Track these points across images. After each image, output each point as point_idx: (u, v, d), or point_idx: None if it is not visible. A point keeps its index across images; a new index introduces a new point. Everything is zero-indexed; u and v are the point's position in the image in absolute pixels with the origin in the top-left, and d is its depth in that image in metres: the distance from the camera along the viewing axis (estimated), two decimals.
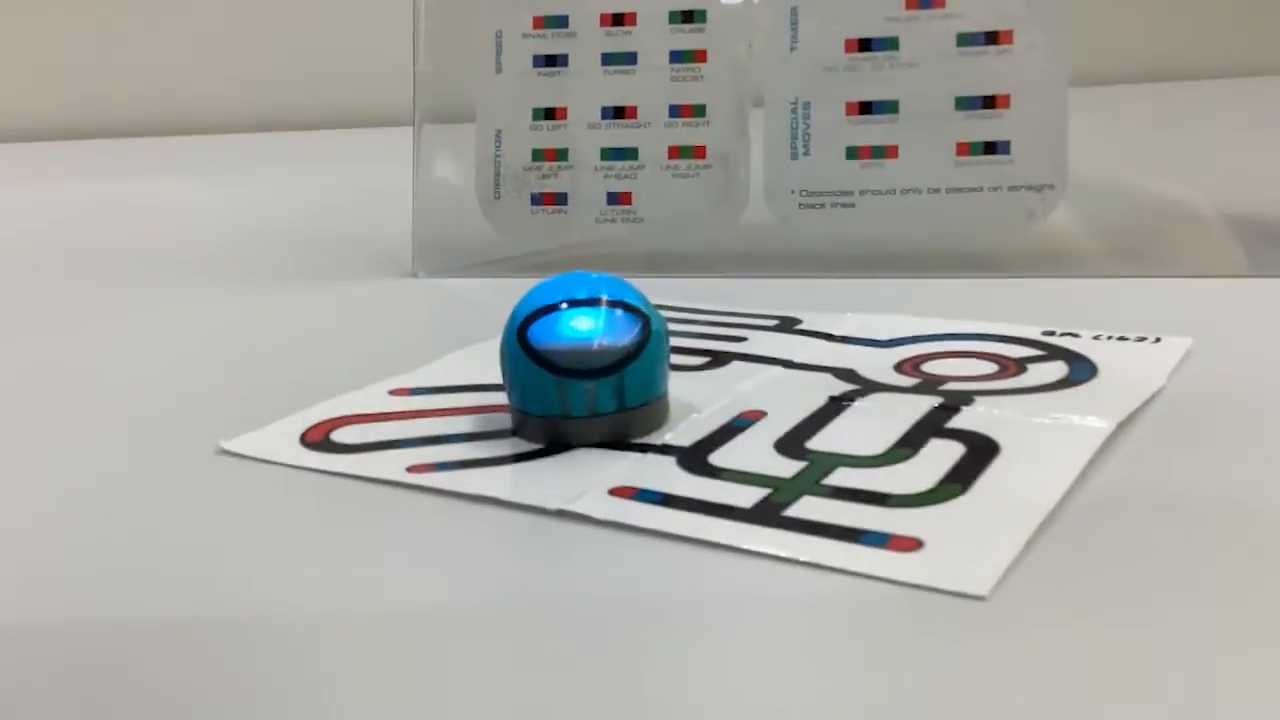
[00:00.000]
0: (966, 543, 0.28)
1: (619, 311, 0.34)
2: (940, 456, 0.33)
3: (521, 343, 0.34)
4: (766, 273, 0.54)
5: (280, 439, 0.36)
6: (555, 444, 0.34)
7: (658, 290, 0.51)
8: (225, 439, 0.36)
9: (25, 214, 0.88)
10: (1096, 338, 0.43)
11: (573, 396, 0.34)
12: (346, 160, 1.06)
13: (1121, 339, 0.42)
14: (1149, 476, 0.32)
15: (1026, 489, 0.30)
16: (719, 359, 0.42)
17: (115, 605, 0.28)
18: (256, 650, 0.26)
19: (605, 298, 0.35)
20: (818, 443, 0.34)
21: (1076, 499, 0.30)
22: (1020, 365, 0.40)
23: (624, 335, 0.34)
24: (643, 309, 0.35)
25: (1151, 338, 0.42)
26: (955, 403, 0.36)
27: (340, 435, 0.37)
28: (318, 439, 0.36)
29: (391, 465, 0.34)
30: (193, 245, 0.71)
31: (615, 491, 0.31)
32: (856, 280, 0.53)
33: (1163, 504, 0.30)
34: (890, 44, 0.54)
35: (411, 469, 0.34)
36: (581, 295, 0.35)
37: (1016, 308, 0.48)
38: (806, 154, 0.54)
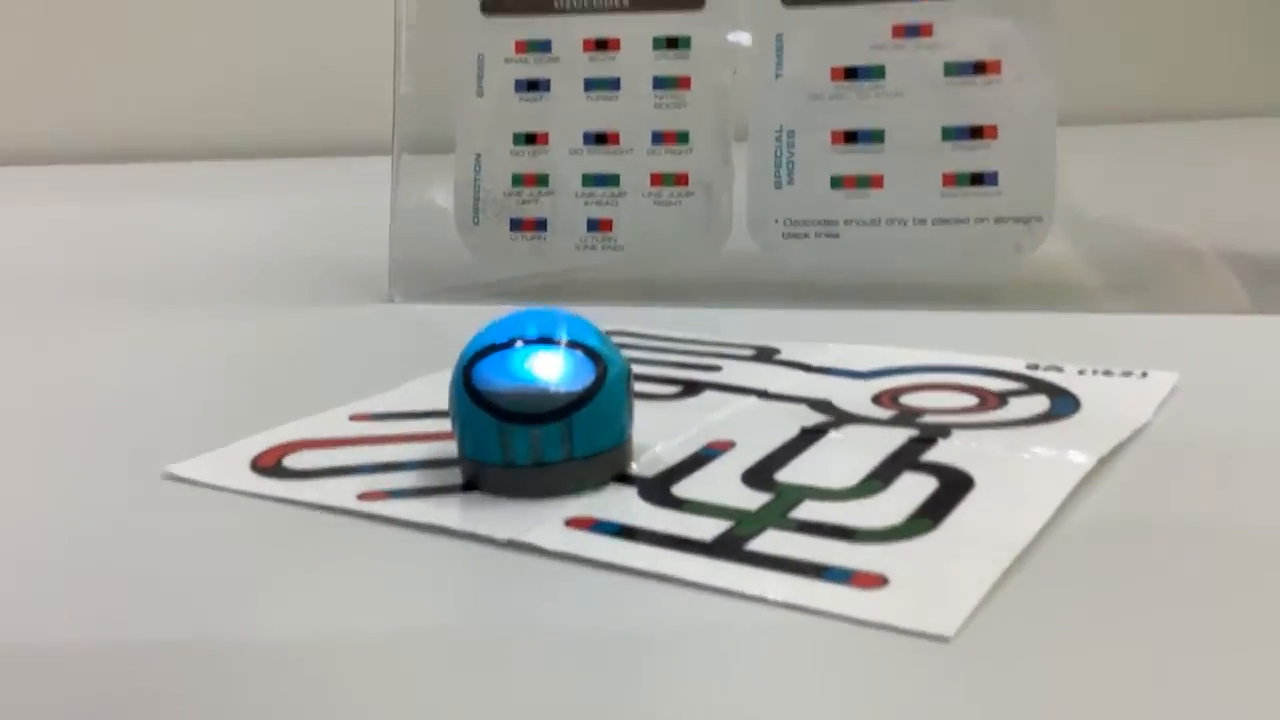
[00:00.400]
0: (933, 581, 0.27)
1: (574, 352, 0.32)
2: (912, 490, 0.31)
3: (465, 383, 0.32)
4: (749, 303, 0.53)
5: (231, 464, 0.35)
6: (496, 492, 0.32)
7: (636, 319, 0.51)
8: (175, 463, 0.35)
9: (9, 235, 0.88)
10: (1081, 372, 0.41)
11: (516, 443, 0.31)
12: (332, 186, 1.05)
13: (1107, 374, 0.41)
14: (1130, 513, 0.31)
15: (999, 526, 0.29)
16: (691, 388, 0.41)
17: (43, 626, 0.26)
18: (192, 674, 0.24)
19: (562, 338, 0.33)
20: (787, 474, 0.33)
21: (1053, 535, 0.29)
22: (1001, 399, 0.39)
23: (575, 379, 0.32)
24: (601, 351, 0.33)
25: (1138, 373, 0.41)
26: (931, 435, 0.35)
27: (293, 461, 0.35)
28: (270, 464, 0.35)
29: (343, 492, 0.33)
30: (174, 269, 0.70)
31: (572, 522, 0.30)
32: (840, 311, 0.52)
33: (1142, 542, 0.29)
34: (877, 73, 0.53)
35: (363, 496, 0.32)
36: (535, 334, 0.33)
37: (1002, 341, 0.47)
38: (791, 183, 0.53)
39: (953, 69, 0.52)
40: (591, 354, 0.32)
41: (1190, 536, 0.29)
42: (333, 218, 0.86)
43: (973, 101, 0.52)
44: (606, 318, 0.50)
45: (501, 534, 0.29)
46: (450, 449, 0.35)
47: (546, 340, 0.32)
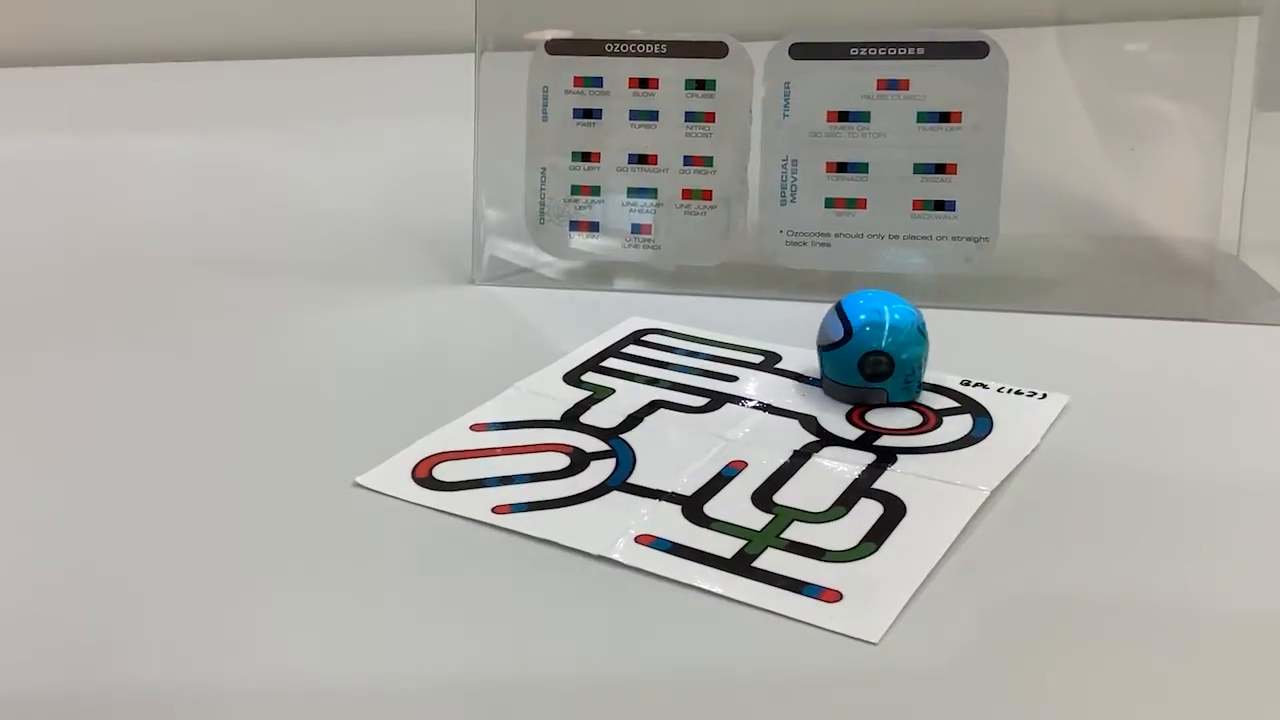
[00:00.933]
0: (871, 597, 0.42)
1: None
2: (864, 515, 0.47)
3: None
4: (756, 295, 0.68)
5: (398, 475, 0.50)
6: None
7: (672, 308, 0.65)
8: (360, 475, 0.50)
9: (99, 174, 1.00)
10: (1000, 390, 0.56)
11: None
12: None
13: (1017, 393, 0.56)
14: (1006, 539, 0.46)
15: (917, 551, 0.45)
16: (715, 400, 0.56)
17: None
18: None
19: None
20: (782, 496, 0.48)
21: (950, 559, 0.45)
22: (939, 418, 0.54)
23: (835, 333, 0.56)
24: (854, 325, 0.55)
25: (1039, 393, 0.56)
26: (883, 461, 0.50)
27: (440, 472, 0.51)
28: (425, 475, 0.50)
29: (479, 505, 0.48)
30: (261, 233, 0.81)
31: (639, 539, 0.46)
32: (829, 305, 0.67)
33: (1009, 565, 0.45)
34: (864, 117, 0.66)
35: (495, 510, 0.48)
36: None
37: (952, 339, 0.62)
38: (793, 201, 0.68)
39: (924, 117, 0.66)
40: (847, 325, 0.55)
41: (1049, 555, 0.45)
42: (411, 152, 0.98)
43: (939, 144, 0.66)
44: (647, 304, 0.65)
45: (594, 549, 0.45)
46: (549, 461, 0.51)
47: None
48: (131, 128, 1.08)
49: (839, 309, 0.55)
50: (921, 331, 0.55)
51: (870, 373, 0.54)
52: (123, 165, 0.97)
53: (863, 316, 0.55)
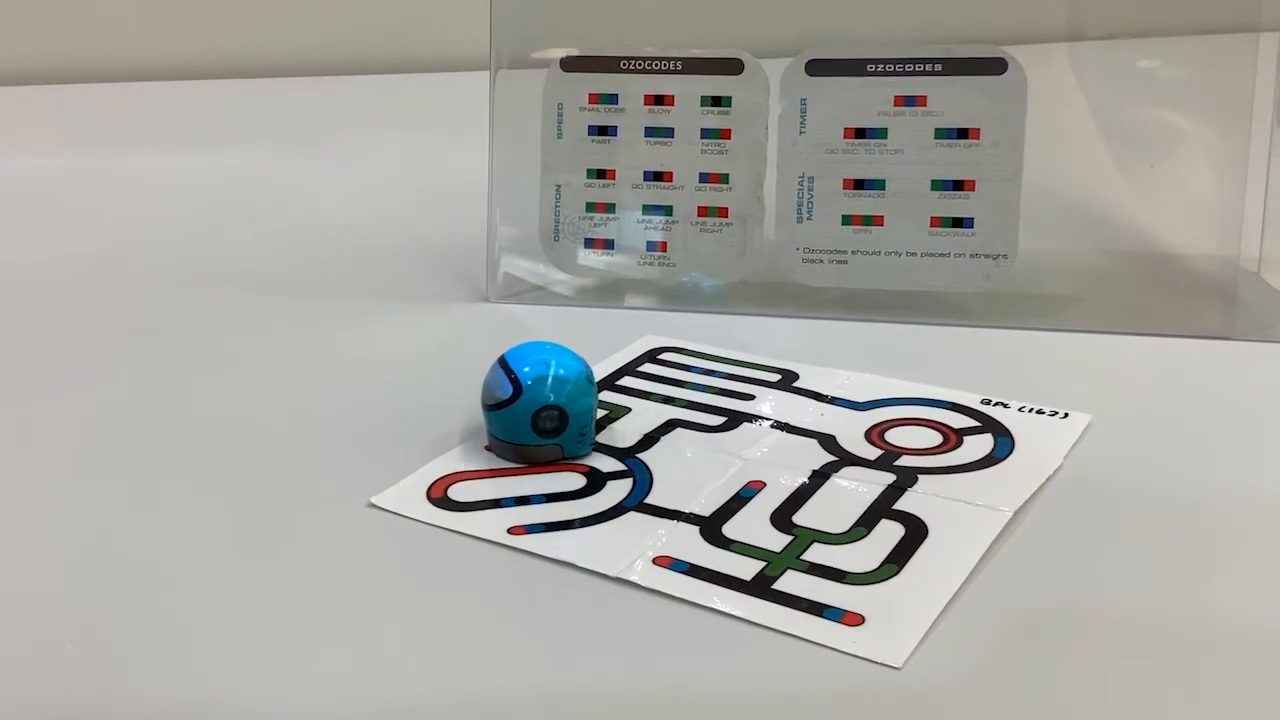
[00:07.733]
0: (894, 620, 0.42)
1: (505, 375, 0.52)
2: (886, 537, 0.46)
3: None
4: (775, 312, 0.67)
5: (413, 495, 0.50)
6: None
7: (687, 326, 0.65)
8: (374, 495, 0.50)
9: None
10: (1021, 409, 0.56)
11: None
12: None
13: (1039, 412, 0.55)
14: (1029, 561, 0.45)
15: (940, 573, 0.44)
16: (732, 420, 0.56)
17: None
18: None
19: (518, 366, 0.52)
20: (801, 517, 0.48)
21: (973, 581, 0.44)
22: (959, 437, 0.54)
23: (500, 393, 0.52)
24: (523, 382, 0.51)
25: (1061, 413, 0.55)
26: (904, 482, 0.50)
27: (455, 492, 0.50)
28: (439, 495, 0.50)
29: (495, 526, 0.48)
30: (276, 250, 0.81)
31: (657, 560, 0.45)
32: (845, 323, 0.66)
33: (1032, 587, 0.44)
34: (881, 133, 0.66)
35: (510, 530, 0.47)
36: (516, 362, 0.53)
37: (968, 359, 0.61)
38: (810, 219, 0.67)
39: (941, 133, 0.65)
40: (515, 382, 0.52)
41: (1073, 577, 0.44)
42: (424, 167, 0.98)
43: (956, 160, 0.65)
44: (662, 322, 0.65)
45: (611, 571, 0.44)
46: (563, 481, 0.50)
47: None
48: (146, 145, 1.08)
49: (503, 365, 0.53)
50: (590, 382, 0.53)
51: (543, 428, 0.52)
52: (138, 183, 0.97)
53: (528, 369, 0.52)
